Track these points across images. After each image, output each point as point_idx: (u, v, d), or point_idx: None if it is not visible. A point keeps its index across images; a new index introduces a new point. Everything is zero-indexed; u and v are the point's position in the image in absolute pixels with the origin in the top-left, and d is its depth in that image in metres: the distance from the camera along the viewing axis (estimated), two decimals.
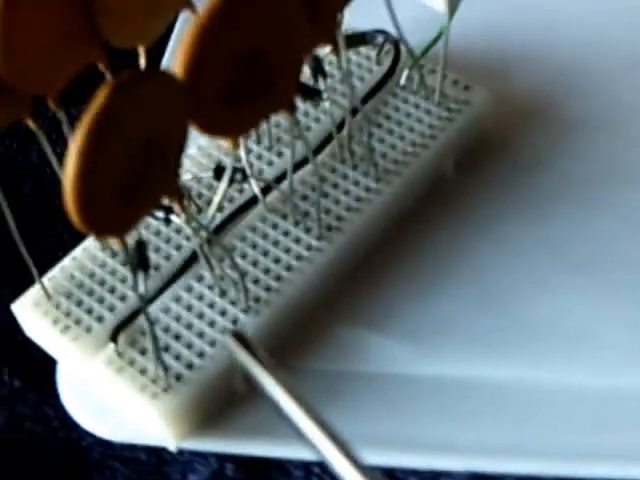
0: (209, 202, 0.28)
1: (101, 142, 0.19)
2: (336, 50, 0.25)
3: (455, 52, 0.30)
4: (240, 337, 0.20)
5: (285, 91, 0.24)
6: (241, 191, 0.28)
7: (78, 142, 0.19)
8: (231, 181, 0.26)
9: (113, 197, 0.20)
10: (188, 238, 0.27)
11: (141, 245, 0.23)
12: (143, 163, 0.21)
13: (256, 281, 0.26)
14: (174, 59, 0.21)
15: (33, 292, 0.27)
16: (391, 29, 0.28)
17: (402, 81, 0.30)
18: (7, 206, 0.25)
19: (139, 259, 0.23)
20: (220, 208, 0.28)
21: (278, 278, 0.26)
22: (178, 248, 0.27)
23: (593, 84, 0.32)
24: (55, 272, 0.27)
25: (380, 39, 0.31)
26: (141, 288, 0.23)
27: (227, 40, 0.21)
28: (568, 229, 0.29)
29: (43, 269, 0.27)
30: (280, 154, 0.29)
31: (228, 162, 0.26)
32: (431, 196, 0.29)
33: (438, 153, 0.29)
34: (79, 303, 0.26)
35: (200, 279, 0.27)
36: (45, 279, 0.27)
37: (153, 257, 0.27)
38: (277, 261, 0.27)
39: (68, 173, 0.19)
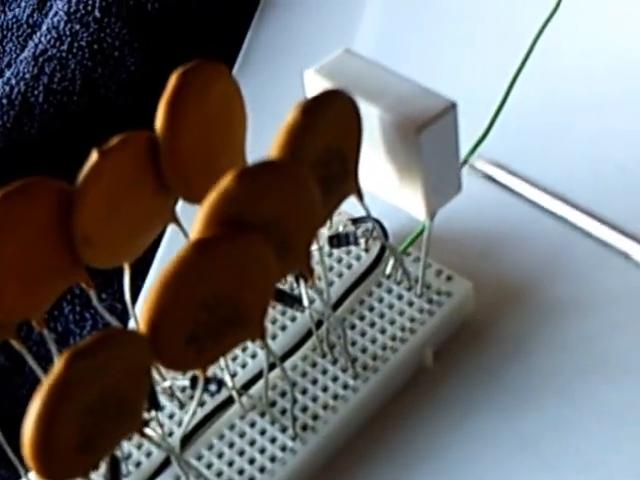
0: (192, 397, 0.29)
1: (58, 411, 0.20)
2: (310, 275, 0.26)
3: (439, 238, 0.31)
4: None
5: (255, 325, 0.25)
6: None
7: (36, 409, 0.20)
8: (206, 390, 0.27)
9: (71, 451, 0.22)
10: (159, 445, 0.28)
11: (115, 462, 0.24)
12: (100, 416, 0.22)
13: None
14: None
15: None
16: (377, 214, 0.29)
17: (387, 271, 0.31)
18: None
19: (112, 476, 0.25)
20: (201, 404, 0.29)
21: None
22: (148, 455, 0.28)
23: (575, 269, 0.33)
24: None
25: (369, 225, 0.32)
26: None
27: (192, 292, 0.23)
28: (541, 424, 0.29)
29: None
30: (254, 356, 0.30)
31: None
32: (409, 387, 0.30)
33: (417, 347, 0.30)
34: None
35: None
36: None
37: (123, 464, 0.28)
38: (252, 462, 0.28)
39: (26, 435, 0.21)
